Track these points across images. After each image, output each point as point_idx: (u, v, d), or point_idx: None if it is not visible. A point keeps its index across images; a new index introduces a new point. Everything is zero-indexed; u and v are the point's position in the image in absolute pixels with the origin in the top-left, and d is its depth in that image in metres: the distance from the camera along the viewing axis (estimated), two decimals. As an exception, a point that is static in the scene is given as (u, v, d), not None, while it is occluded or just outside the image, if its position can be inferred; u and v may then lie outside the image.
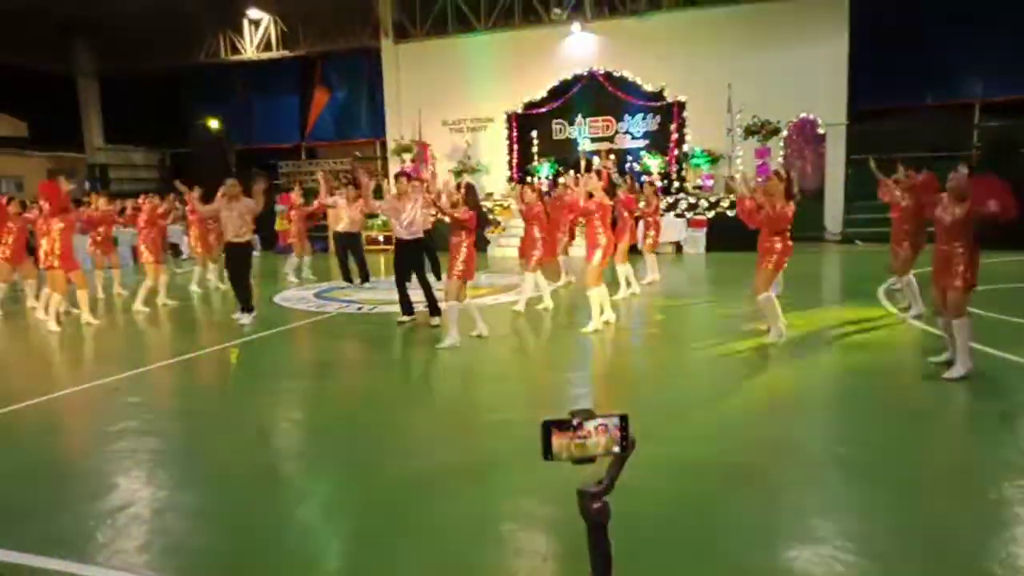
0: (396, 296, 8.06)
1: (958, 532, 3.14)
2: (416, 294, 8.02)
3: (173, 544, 3.24)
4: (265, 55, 20.07)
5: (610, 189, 7.56)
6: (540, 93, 17.06)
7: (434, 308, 7.76)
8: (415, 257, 7.95)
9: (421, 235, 7.94)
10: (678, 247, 14.96)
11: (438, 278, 10.63)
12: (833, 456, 4.13)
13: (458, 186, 7.89)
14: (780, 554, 2.96)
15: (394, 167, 18.56)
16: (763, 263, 6.51)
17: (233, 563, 3.02)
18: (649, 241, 10.37)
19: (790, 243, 6.54)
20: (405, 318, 8.02)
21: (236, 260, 8.42)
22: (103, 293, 10.91)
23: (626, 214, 9.26)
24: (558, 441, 1.06)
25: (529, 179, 16.08)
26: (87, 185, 21.55)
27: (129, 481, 3.96)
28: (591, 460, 1.08)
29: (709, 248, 14.63)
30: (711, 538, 3.16)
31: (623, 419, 1.09)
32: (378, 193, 8.81)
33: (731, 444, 4.29)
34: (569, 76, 16.79)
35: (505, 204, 16.37)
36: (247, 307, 8.44)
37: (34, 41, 19.29)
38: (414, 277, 7.92)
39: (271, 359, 7.16)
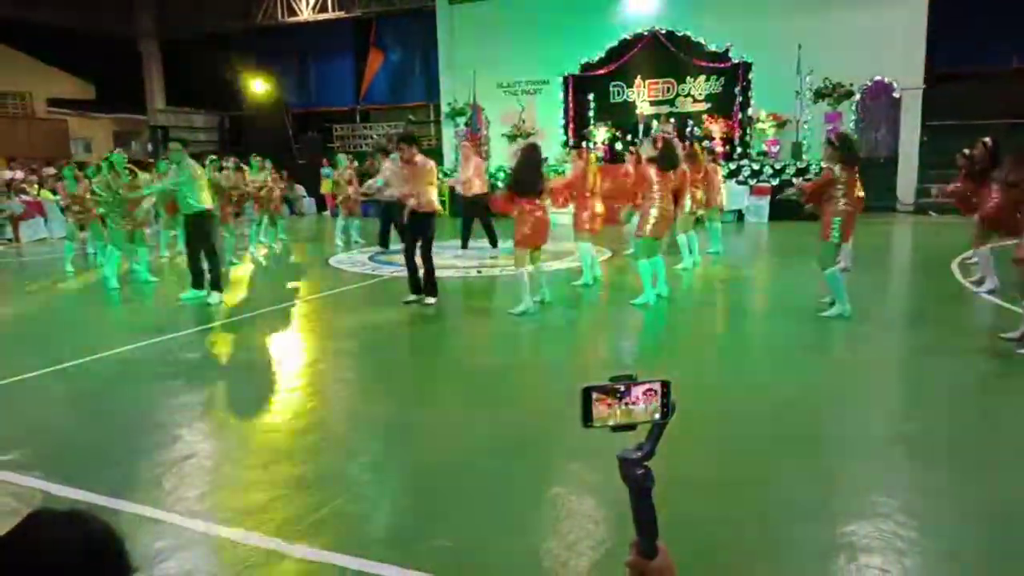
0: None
1: (1029, 516, 3.00)
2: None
3: (234, 494, 3.36)
4: (321, 16, 20.14)
5: (668, 156, 6.95)
6: (598, 54, 16.61)
7: (431, 288, 7.31)
8: (425, 231, 7.20)
9: (432, 209, 7.17)
10: (740, 215, 14.52)
11: (494, 245, 10.66)
12: (897, 433, 3.98)
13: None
14: (838, 529, 2.88)
15: (448, 130, 18.56)
16: (825, 233, 6.19)
17: (290, 515, 3.11)
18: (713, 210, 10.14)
19: (852, 210, 6.14)
20: (412, 297, 7.42)
21: (195, 231, 7.81)
22: (167, 252, 11.32)
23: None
24: (598, 408, 1.03)
25: (584, 143, 15.83)
26: (149, 147, 22.29)
27: (193, 432, 4.12)
28: (632, 427, 1.04)
29: (772, 217, 14.18)
30: (765, 511, 3.10)
31: (664, 385, 1.05)
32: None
33: (788, 419, 4.18)
34: (629, 36, 16.28)
35: (560, 170, 16.19)
36: (204, 285, 7.81)
37: (100, 5, 19.81)
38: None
39: (326, 320, 7.30)
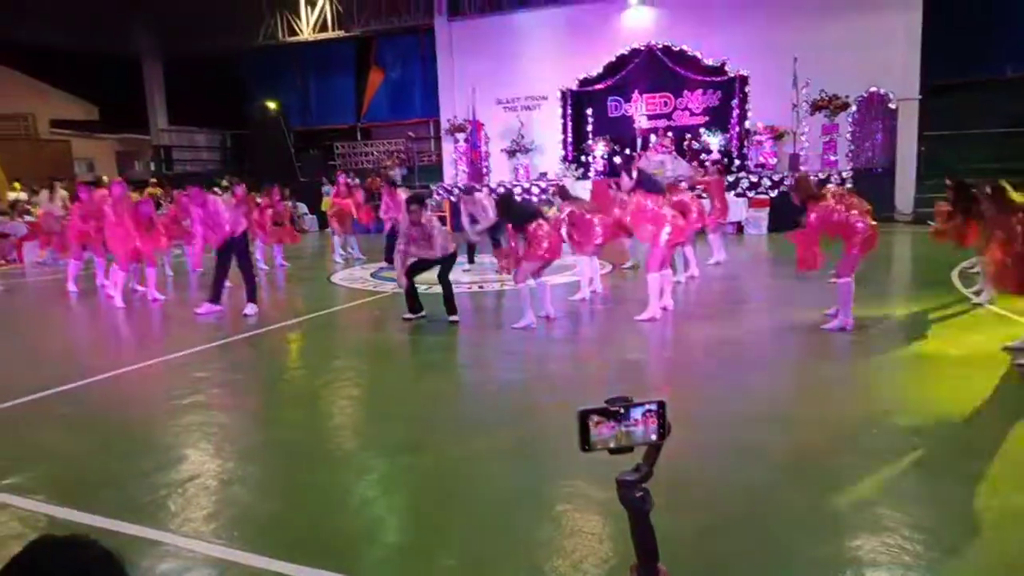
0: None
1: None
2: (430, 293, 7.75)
3: (239, 514, 3.35)
4: (322, 36, 20.32)
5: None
6: (595, 69, 16.76)
7: (451, 306, 7.34)
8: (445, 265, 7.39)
9: (451, 251, 7.32)
10: (739, 228, 14.56)
11: (471, 261, 10.74)
12: (901, 445, 3.96)
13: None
14: (844, 543, 2.87)
15: (448, 147, 18.65)
16: (849, 246, 6.22)
17: (295, 534, 3.10)
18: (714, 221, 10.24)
19: (874, 223, 6.25)
20: (411, 315, 7.46)
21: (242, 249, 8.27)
22: (171, 271, 11.35)
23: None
24: (598, 431, 1.03)
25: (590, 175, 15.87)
26: (152, 166, 22.41)
27: (197, 453, 4.11)
28: (630, 449, 1.05)
29: (772, 229, 14.20)
30: (770, 525, 3.09)
31: (660, 405, 1.05)
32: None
33: (793, 432, 4.18)
34: (626, 51, 16.44)
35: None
36: (215, 298, 8.23)
37: (102, 26, 19.96)
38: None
39: (328, 338, 7.31)
